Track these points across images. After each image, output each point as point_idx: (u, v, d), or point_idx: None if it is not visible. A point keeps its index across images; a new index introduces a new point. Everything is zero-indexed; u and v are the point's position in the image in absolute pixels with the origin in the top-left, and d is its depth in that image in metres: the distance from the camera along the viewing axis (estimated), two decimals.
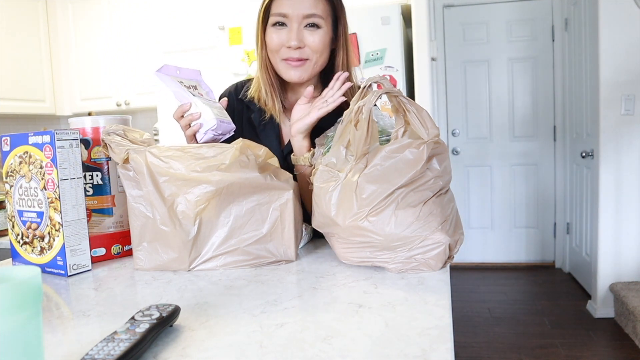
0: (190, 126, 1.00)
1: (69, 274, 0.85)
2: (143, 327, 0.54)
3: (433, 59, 2.93)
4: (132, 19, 3.42)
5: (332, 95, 1.02)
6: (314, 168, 0.94)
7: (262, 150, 0.88)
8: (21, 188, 0.89)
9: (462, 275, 3.86)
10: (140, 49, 3.42)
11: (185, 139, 1.03)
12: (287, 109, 1.16)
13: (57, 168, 0.83)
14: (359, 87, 1.12)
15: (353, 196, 0.79)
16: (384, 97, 0.82)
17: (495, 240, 4.09)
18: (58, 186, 0.83)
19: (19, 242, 0.92)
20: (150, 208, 0.86)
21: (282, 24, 1.04)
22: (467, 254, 4.10)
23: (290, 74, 1.07)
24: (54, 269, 0.86)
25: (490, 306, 3.19)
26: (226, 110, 1.06)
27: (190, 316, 0.63)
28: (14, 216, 0.91)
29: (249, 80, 1.20)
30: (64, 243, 0.84)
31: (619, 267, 2.88)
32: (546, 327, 2.84)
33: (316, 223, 0.89)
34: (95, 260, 0.93)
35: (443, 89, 4.05)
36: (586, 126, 3.23)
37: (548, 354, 2.52)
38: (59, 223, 0.84)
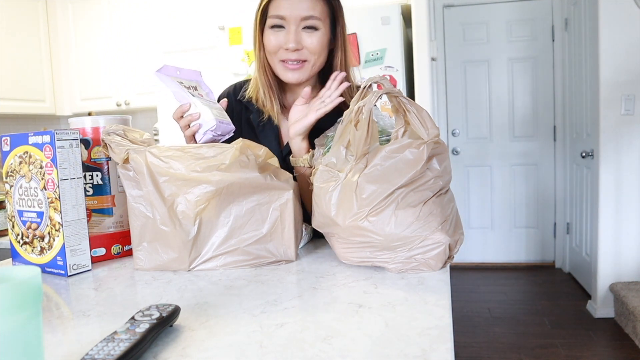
0: (189, 127, 1.00)
1: (69, 274, 0.85)
2: (143, 327, 0.54)
3: (433, 59, 2.93)
4: (132, 19, 3.42)
5: (330, 96, 1.01)
6: (313, 168, 0.94)
7: (262, 150, 0.88)
8: (21, 188, 0.89)
9: (462, 275, 3.86)
10: (140, 49, 3.42)
11: (185, 139, 1.03)
12: (286, 109, 1.16)
13: (57, 168, 0.83)
14: (358, 87, 1.13)
15: (353, 196, 0.79)
16: (384, 97, 0.82)
17: (495, 240, 4.09)
18: (58, 186, 0.83)
19: (19, 242, 0.92)
20: (150, 208, 0.86)
21: (280, 27, 1.04)
22: (467, 254, 4.10)
23: (288, 75, 1.07)
24: (54, 269, 0.86)
25: (490, 306, 3.19)
26: (225, 111, 1.06)
27: (190, 316, 0.63)
28: (14, 216, 0.91)
29: (248, 81, 1.20)
30: (64, 243, 0.84)
31: (619, 267, 2.88)
32: (546, 327, 2.84)
33: (316, 223, 0.89)
34: (95, 260, 0.93)
35: (443, 89, 4.05)
36: (586, 126, 3.23)
37: (548, 354, 2.52)
38: (59, 223, 0.84)
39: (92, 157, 0.99)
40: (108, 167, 0.99)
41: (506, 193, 4.04)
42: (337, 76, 1.03)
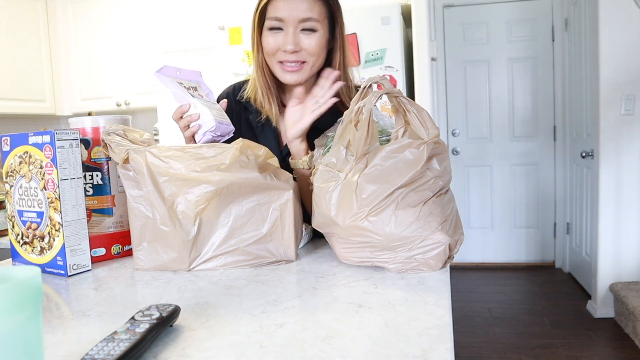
0: (189, 127, 1.00)
1: (69, 274, 0.85)
2: (143, 327, 0.54)
3: (433, 59, 2.93)
4: (132, 19, 3.42)
5: (324, 96, 1.01)
6: (313, 169, 0.94)
7: (262, 150, 0.88)
8: (21, 188, 0.89)
9: (462, 275, 3.86)
10: (140, 49, 3.42)
11: (184, 140, 1.03)
12: (285, 109, 1.16)
13: (57, 168, 0.83)
14: (358, 88, 1.12)
15: (353, 196, 0.79)
16: (384, 97, 0.82)
17: (495, 240, 4.09)
18: (58, 186, 0.83)
19: (19, 242, 0.92)
20: (150, 208, 0.86)
21: (278, 28, 1.04)
22: (467, 254, 4.10)
23: (287, 77, 1.07)
24: (54, 269, 0.86)
25: (490, 306, 3.19)
26: (225, 111, 1.06)
27: (190, 316, 0.63)
28: (14, 216, 0.91)
29: (247, 81, 1.20)
30: (64, 243, 0.84)
31: (619, 267, 2.88)
32: (546, 327, 2.84)
33: (316, 223, 0.89)
34: (95, 260, 0.93)
35: (443, 89, 4.05)
36: (586, 126, 3.23)
37: (548, 354, 2.52)
38: (59, 223, 0.84)
39: (92, 157, 0.99)
40: (108, 167, 0.99)
41: (506, 193, 4.04)
42: (329, 75, 1.02)
